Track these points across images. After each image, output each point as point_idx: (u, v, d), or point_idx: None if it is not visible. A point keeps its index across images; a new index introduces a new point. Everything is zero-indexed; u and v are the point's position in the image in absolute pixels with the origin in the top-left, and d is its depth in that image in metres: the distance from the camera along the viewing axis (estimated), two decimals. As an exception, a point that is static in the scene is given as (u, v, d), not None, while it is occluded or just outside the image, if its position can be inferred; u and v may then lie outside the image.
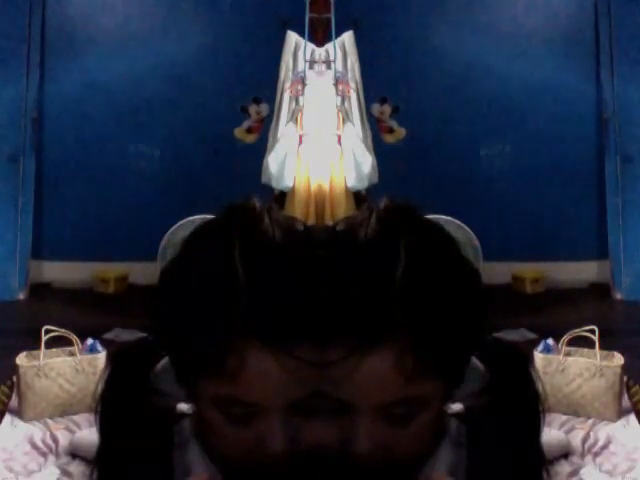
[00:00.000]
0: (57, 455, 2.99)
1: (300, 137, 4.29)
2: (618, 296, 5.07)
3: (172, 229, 3.79)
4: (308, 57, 4.33)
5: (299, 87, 4.33)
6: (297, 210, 4.16)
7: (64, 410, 3.26)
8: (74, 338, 3.32)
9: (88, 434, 2.96)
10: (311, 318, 0.81)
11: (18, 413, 3.25)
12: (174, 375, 0.92)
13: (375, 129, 4.86)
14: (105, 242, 5.32)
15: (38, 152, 5.24)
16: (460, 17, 5.26)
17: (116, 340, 4.08)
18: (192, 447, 0.94)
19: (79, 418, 3.22)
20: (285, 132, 4.33)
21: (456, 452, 0.95)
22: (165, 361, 0.94)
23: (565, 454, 2.98)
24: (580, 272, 5.27)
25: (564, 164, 5.32)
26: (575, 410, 3.27)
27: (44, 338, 3.24)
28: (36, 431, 3.15)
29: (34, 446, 3.05)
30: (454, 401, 0.94)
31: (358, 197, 4.27)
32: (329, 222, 3.98)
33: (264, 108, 5.11)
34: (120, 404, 0.94)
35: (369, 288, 0.82)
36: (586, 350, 3.34)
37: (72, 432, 3.13)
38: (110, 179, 5.33)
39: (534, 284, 5.18)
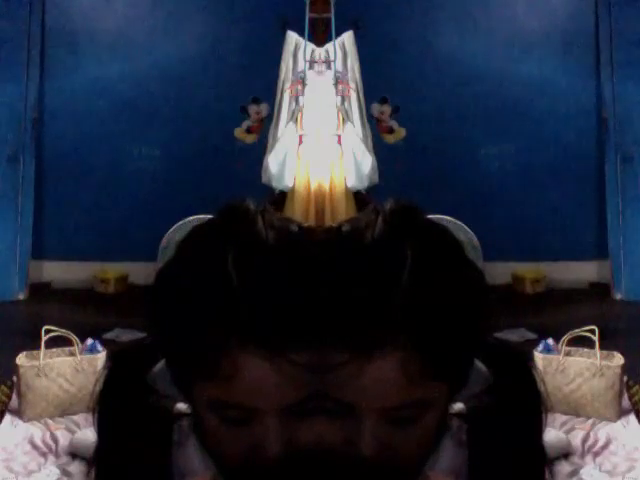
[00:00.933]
0: (57, 455, 3.00)
1: (300, 137, 4.29)
2: (618, 296, 5.06)
3: (172, 229, 3.79)
4: (308, 57, 4.33)
5: (299, 87, 4.33)
6: (297, 210, 4.16)
7: (64, 410, 3.25)
8: (74, 338, 3.32)
9: (88, 434, 2.96)
10: (309, 320, 0.81)
11: (18, 413, 3.25)
12: (170, 377, 0.92)
13: (375, 129, 4.86)
14: (105, 242, 5.32)
15: (38, 152, 5.24)
16: (460, 17, 5.26)
17: (116, 340, 4.08)
18: (191, 446, 0.94)
19: (79, 418, 3.22)
20: (285, 132, 4.33)
21: (458, 451, 0.95)
22: (162, 363, 0.94)
23: (565, 454, 2.98)
24: (580, 272, 5.27)
25: (564, 164, 5.32)
26: (575, 410, 3.27)
27: (44, 338, 3.24)
28: (36, 431, 3.15)
29: (34, 446, 3.05)
30: (456, 401, 0.94)
31: (358, 197, 4.27)
32: (329, 222, 3.98)
33: (264, 108, 5.11)
34: (117, 404, 0.94)
35: (373, 290, 0.82)
36: (586, 350, 3.34)
37: (72, 432, 3.13)
38: (110, 179, 5.33)
39: (534, 284, 5.18)
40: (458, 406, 0.94)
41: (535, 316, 4.57)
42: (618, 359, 3.28)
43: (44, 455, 2.99)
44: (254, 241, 0.86)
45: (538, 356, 3.33)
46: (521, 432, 0.93)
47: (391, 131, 5.23)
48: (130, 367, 0.95)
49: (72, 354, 3.32)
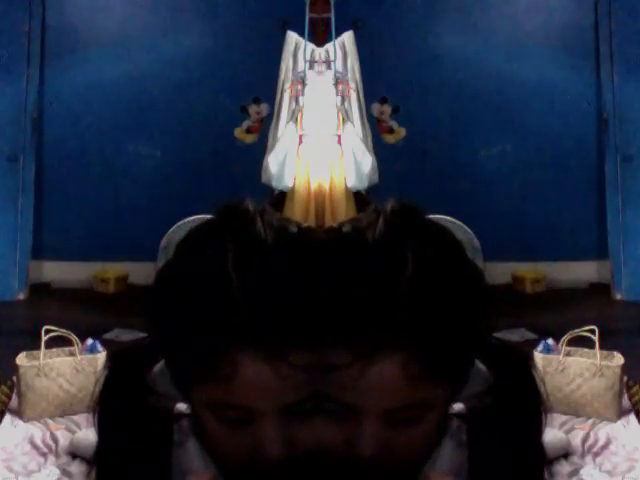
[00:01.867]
0: (57, 455, 2.99)
1: (300, 137, 4.29)
2: (618, 296, 5.06)
3: (172, 229, 3.79)
4: (308, 57, 4.33)
5: (299, 87, 4.33)
6: (297, 210, 4.16)
7: (64, 410, 3.25)
8: (74, 338, 3.32)
9: (88, 434, 2.95)
10: (309, 320, 0.81)
11: (18, 413, 3.25)
12: (170, 377, 0.92)
13: (375, 129, 4.85)
14: (105, 242, 5.32)
15: (38, 152, 5.23)
16: (460, 17, 5.26)
17: (116, 340, 4.08)
18: (191, 446, 0.94)
19: (79, 418, 3.21)
20: (285, 132, 4.33)
21: (458, 451, 0.95)
22: (162, 363, 0.94)
23: (565, 454, 2.97)
24: (580, 272, 5.27)
25: (564, 164, 5.32)
26: (575, 410, 3.27)
27: (44, 338, 3.24)
28: (36, 431, 3.15)
29: (34, 446, 3.05)
30: (456, 401, 0.94)
31: (358, 197, 4.27)
32: (329, 222, 3.99)
33: (264, 108, 5.11)
34: (117, 404, 0.94)
35: (374, 290, 0.81)
36: (586, 350, 3.34)
37: (72, 432, 3.12)
38: (110, 179, 5.33)
39: (534, 284, 5.18)
40: (458, 406, 0.94)
41: (535, 316, 4.56)
42: (618, 359, 3.28)
43: (44, 455, 2.99)
44: (253, 241, 0.86)
45: (538, 356, 3.33)
46: (521, 432, 0.93)
47: (391, 131, 5.22)
48: (130, 367, 0.96)
49: (72, 354, 3.32)
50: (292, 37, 4.42)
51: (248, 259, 0.84)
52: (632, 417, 3.26)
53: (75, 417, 3.23)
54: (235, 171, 4.99)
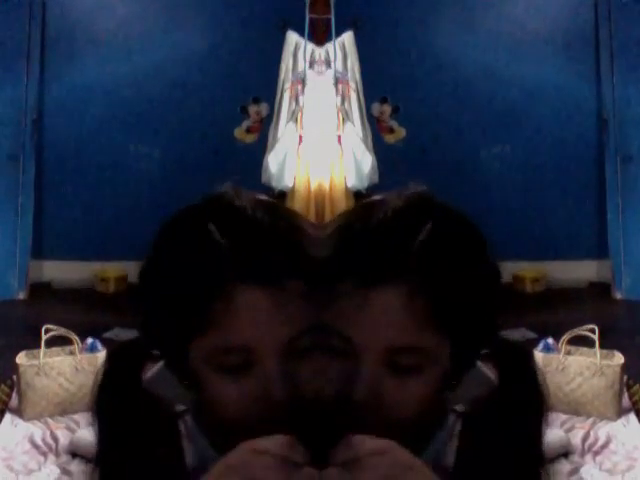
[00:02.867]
0: (57, 454, 2.99)
1: (300, 137, 4.29)
2: (618, 295, 5.07)
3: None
4: (308, 57, 4.33)
5: (299, 87, 4.34)
6: (297, 210, 4.16)
7: (64, 409, 3.25)
8: (74, 337, 3.32)
9: (88, 433, 2.93)
10: (308, 254, 0.82)
11: (18, 412, 3.25)
12: (166, 362, 0.92)
13: (375, 129, 4.86)
14: (105, 242, 5.32)
15: (38, 152, 5.24)
16: (460, 17, 5.26)
17: (116, 339, 4.08)
18: (189, 445, 0.94)
19: (79, 417, 3.22)
20: (285, 132, 4.34)
21: (457, 450, 0.94)
22: (157, 367, 0.94)
23: (565, 453, 2.97)
24: (580, 271, 5.27)
25: (564, 164, 5.32)
26: (575, 409, 3.27)
27: (44, 337, 3.24)
28: (36, 430, 3.15)
29: (34, 445, 3.05)
30: (457, 402, 0.93)
31: (358, 197, 4.27)
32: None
33: (264, 108, 5.11)
34: (116, 399, 0.94)
35: (389, 234, 0.83)
36: (586, 349, 3.34)
37: (72, 431, 3.12)
38: (110, 179, 5.33)
39: (534, 283, 5.18)
40: (460, 408, 0.94)
41: (535, 315, 4.56)
42: (618, 358, 3.28)
43: (44, 454, 2.99)
44: (233, 208, 0.87)
45: (538, 355, 3.33)
46: (521, 432, 0.93)
47: (391, 131, 5.23)
48: (127, 362, 0.95)
49: (72, 353, 3.32)
50: (292, 37, 4.42)
51: (232, 221, 0.85)
52: (632, 416, 3.26)
53: (75, 416, 3.23)
54: (235, 171, 4.97)
